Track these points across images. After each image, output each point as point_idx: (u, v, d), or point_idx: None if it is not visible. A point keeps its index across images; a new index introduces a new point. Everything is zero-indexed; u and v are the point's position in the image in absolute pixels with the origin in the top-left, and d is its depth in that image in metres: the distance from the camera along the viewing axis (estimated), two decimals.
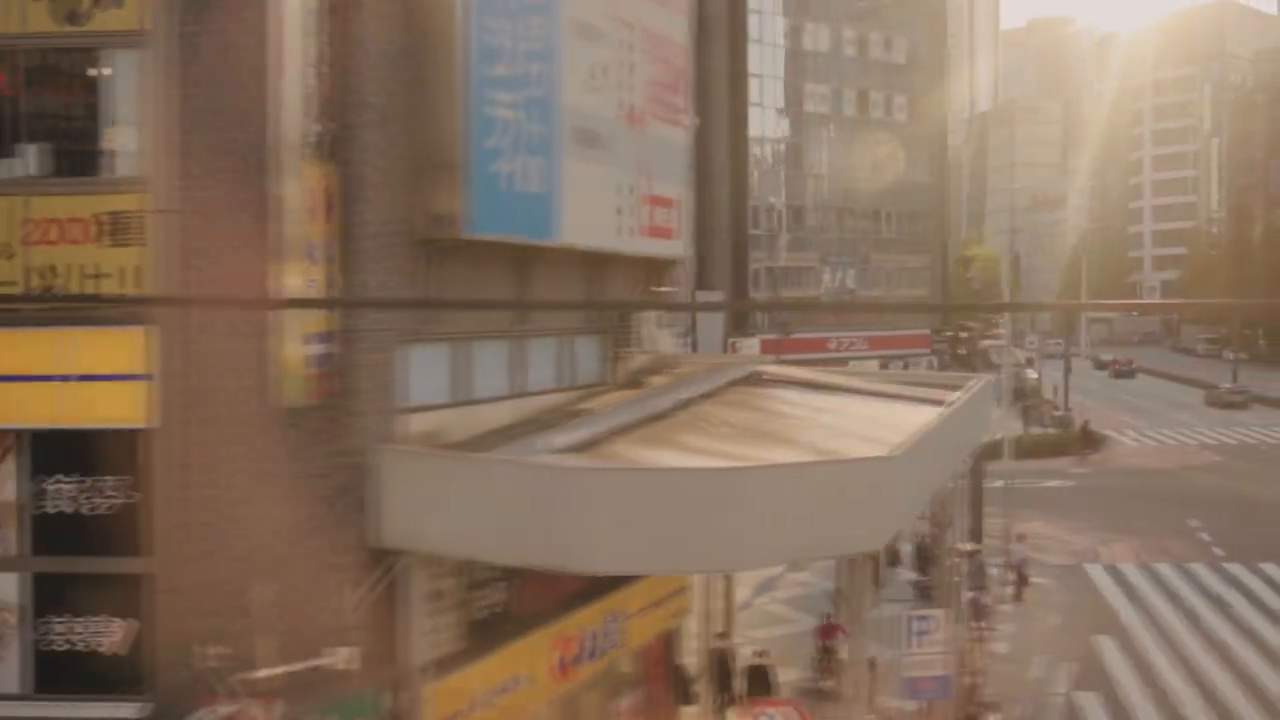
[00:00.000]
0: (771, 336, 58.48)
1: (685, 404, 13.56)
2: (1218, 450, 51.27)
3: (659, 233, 14.34)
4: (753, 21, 57.65)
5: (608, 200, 12.97)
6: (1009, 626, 25.13)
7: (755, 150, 58.66)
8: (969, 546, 27.94)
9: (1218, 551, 31.21)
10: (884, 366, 62.70)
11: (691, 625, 18.20)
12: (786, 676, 21.74)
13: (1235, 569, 29.28)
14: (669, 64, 14.33)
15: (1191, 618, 25.33)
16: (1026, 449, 49.36)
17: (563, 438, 11.09)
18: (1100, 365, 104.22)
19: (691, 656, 17.68)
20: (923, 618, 14.81)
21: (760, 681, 17.74)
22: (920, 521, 29.66)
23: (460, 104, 10.26)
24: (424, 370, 10.93)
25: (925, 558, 27.64)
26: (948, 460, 13.58)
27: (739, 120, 57.81)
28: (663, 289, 15.95)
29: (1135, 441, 54.67)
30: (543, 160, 11.53)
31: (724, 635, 17.59)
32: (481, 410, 11.62)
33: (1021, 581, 27.34)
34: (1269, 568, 29.16)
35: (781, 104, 59.32)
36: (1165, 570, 29.45)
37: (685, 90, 15.07)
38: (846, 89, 61.69)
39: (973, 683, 18.43)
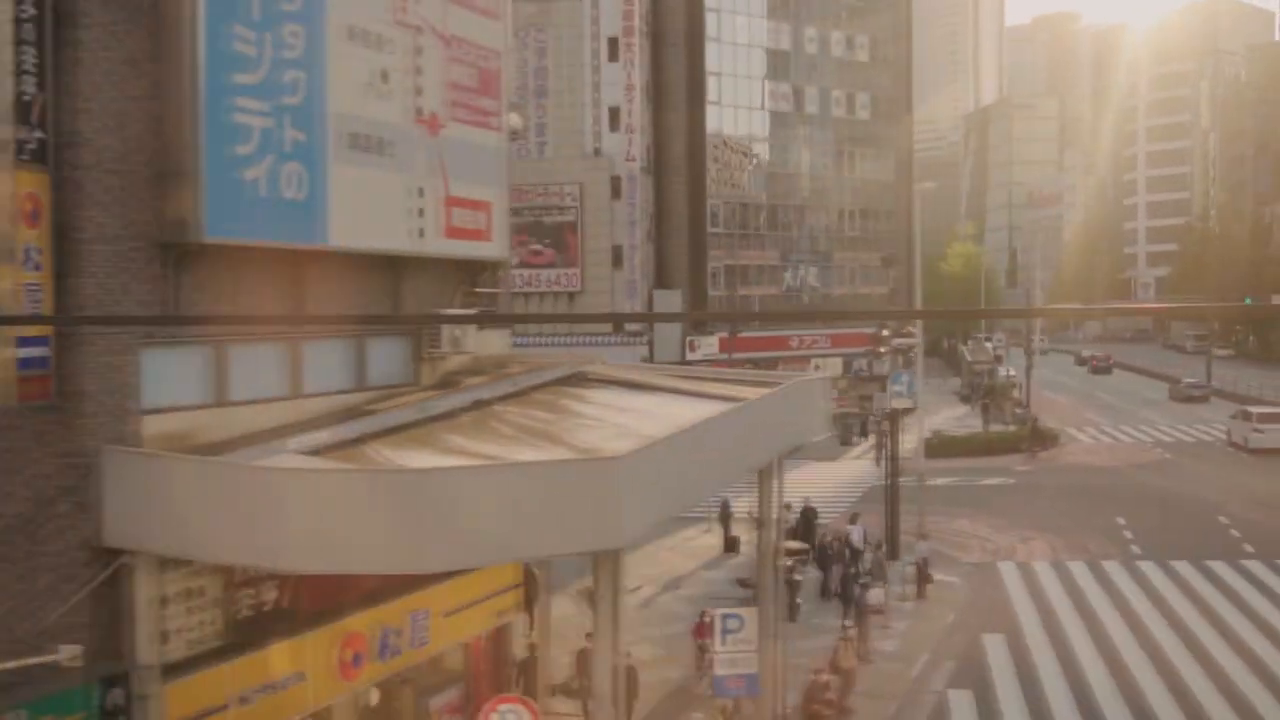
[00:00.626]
0: (729, 335, 58.64)
1: (479, 405, 13.71)
2: (1171, 447, 51.22)
3: (466, 234, 14.49)
4: (711, 20, 57.76)
5: (395, 203, 13.14)
6: (902, 624, 25.24)
7: (714, 149, 58.77)
8: (858, 543, 28.12)
9: (1135, 549, 31.24)
10: (847, 365, 62.93)
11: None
12: (668, 674, 21.97)
13: (1146, 566, 29.33)
14: (476, 67, 14.47)
15: (1089, 616, 25.37)
16: (979, 446, 49.66)
17: (314, 439, 11.25)
18: (1081, 361, 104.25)
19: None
20: (731, 615, 14.95)
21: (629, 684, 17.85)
22: (842, 524, 30.00)
23: (190, 112, 10.45)
24: (175, 372, 11.11)
25: (825, 557, 27.81)
26: (734, 458, 13.68)
27: (696, 119, 58.01)
28: (485, 290, 16.10)
29: (1092, 439, 54.69)
30: (304, 166, 11.69)
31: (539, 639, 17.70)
32: (247, 412, 11.79)
33: (924, 579, 27.41)
34: (1180, 565, 29.21)
35: (740, 102, 59.37)
36: (1077, 568, 29.49)
37: (499, 92, 15.20)
38: (809, 87, 61.76)
39: (824, 681, 18.51)
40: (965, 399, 69.24)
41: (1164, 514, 35.85)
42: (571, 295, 55.81)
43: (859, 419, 57.87)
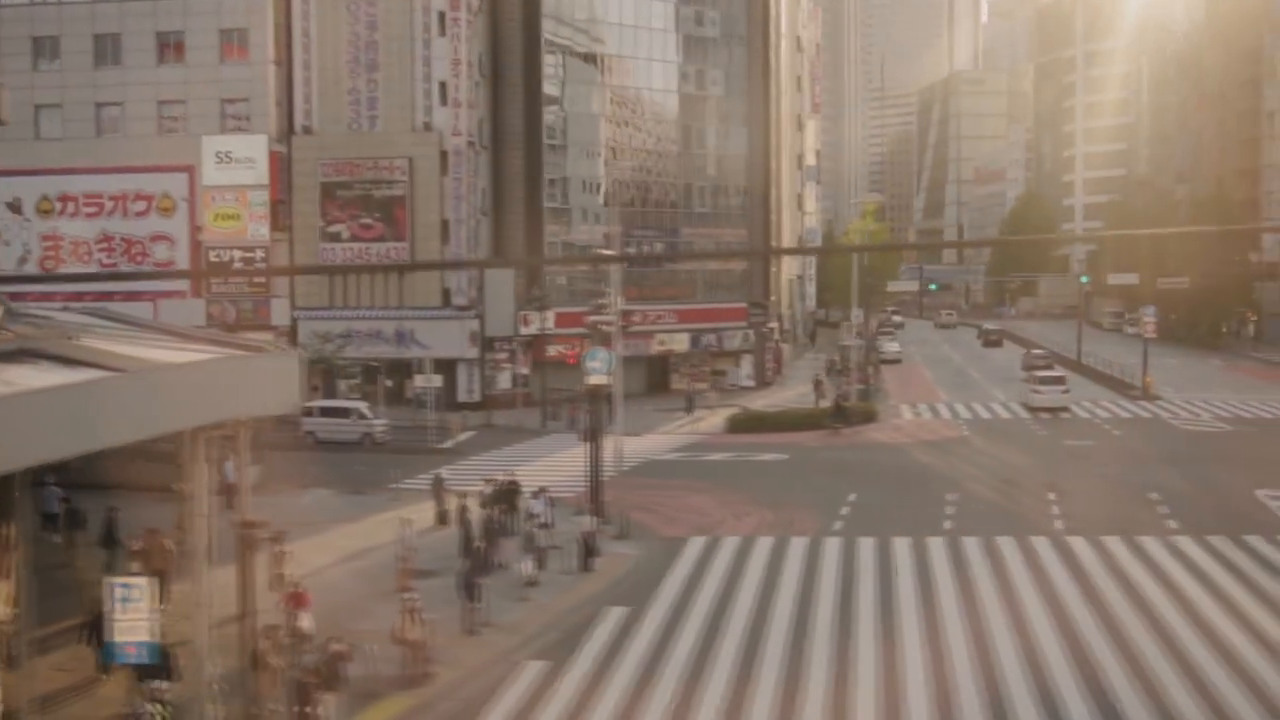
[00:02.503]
0: (568, 310, 58.85)
1: None
2: (976, 424, 51.82)
3: None
4: None
5: None
6: (544, 596, 25.48)
7: (553, 123, 58.81)
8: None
9: (838, 525, 31.66)
10: (695, 340, 63.27)
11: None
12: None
13: (833, 543, 29.75)
14: None
15: (732, 588, 25.75)
16: (785, 422, 50.10)
17: None
18: (980, 336, 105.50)
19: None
20: (125, 584, 15.30)
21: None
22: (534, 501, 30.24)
23: None
24: None
25: (491, 531, 28.21)
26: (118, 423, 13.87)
27: (533, 93, 58.06)
28: None
29: (913, 416, 55.21)
30: None
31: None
32: None
33: (589, 552, 27.80)
34: (865, 541, 29.62)
35: (581, 78, 59.41)
36: (764, 543, 29.83)
37: None
38: (654, 63, 61.79)
39: (339, 651, 18.78)
40: (827, 374, 69.70)
41: (895, 491, 36.31)
42: (402, 269, 55.95)
43: (701, 394, 58.35)
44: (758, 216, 65.52)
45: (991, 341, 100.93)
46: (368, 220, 55.56)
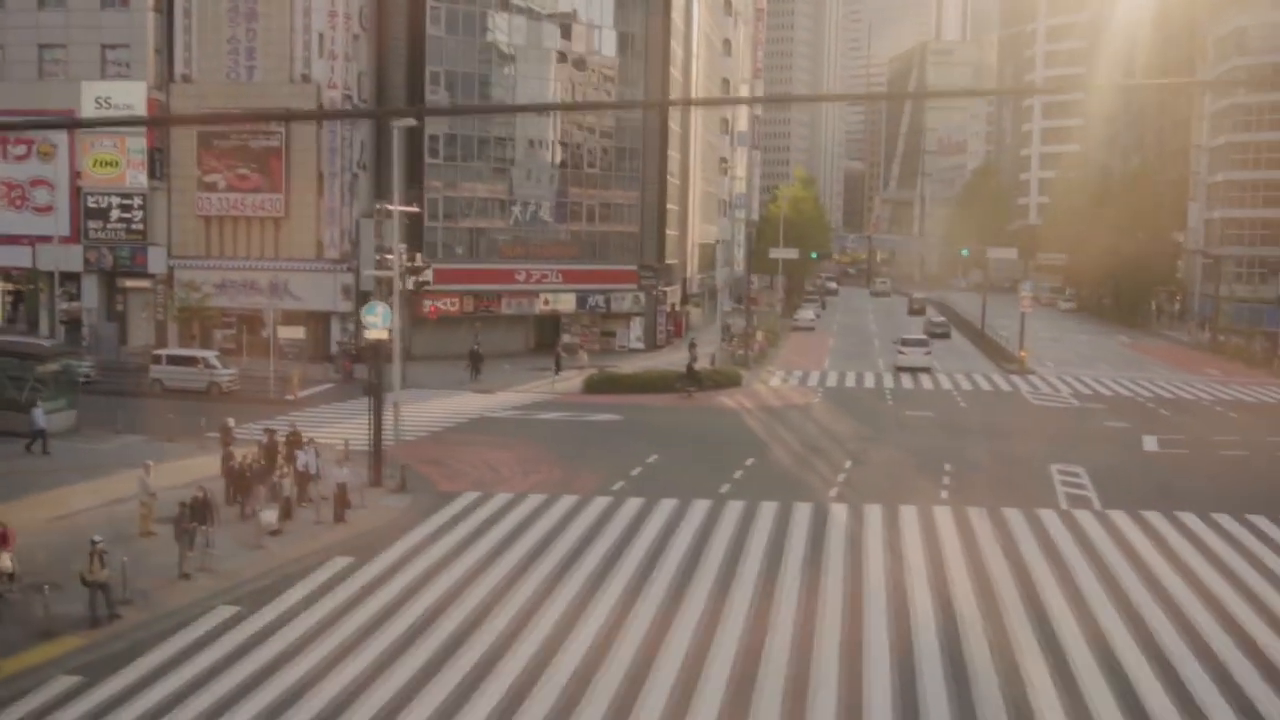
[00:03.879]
0: (449, 265, 59.08)
1: None
2: (834, 392, 52.26)
3: None
4: None
5: None
6: (279, 545, 25.84)
7: (437, 79, 58.65)
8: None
9: (618, 485, 32.01)
10: (581, 300, 63.49)
11: None
12: None
13: (600, 501, 30.12)
14: None
15: (469, 544, 26.16)
16: (641, 384, 50.44)
17: None
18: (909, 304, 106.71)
19: None
20: None
21: None
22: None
23: None
24: None
25: (243, 480, 28.48)
26: None
27: (417, 48, 57.92)
28: None
29: (782, 381, 55.68)
30: None
31: None
32: None
33: (341, 504, 28.11)
34: (634, 501, 30.01)
35: (467, 32, 59.16)
36: (532, 499, 30.22)
37: None
38: (544, 21, 61.58)
39: None
40: (723, 339, 70.05)
41: (696, 455, 36.63)
42: (277, 220, 56.03)
43: (573, 354, 58.51)
44: (652, 178, 65.52)
45: (916, 310, 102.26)
46: (244, 171, 55.51)
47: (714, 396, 49.36)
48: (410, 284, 36.26)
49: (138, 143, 55.83)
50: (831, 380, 56.36)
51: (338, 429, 38.03)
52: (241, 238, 56.29)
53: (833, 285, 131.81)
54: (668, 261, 70.18)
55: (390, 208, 34.80)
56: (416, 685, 17.93)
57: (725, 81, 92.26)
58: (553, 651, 19.42)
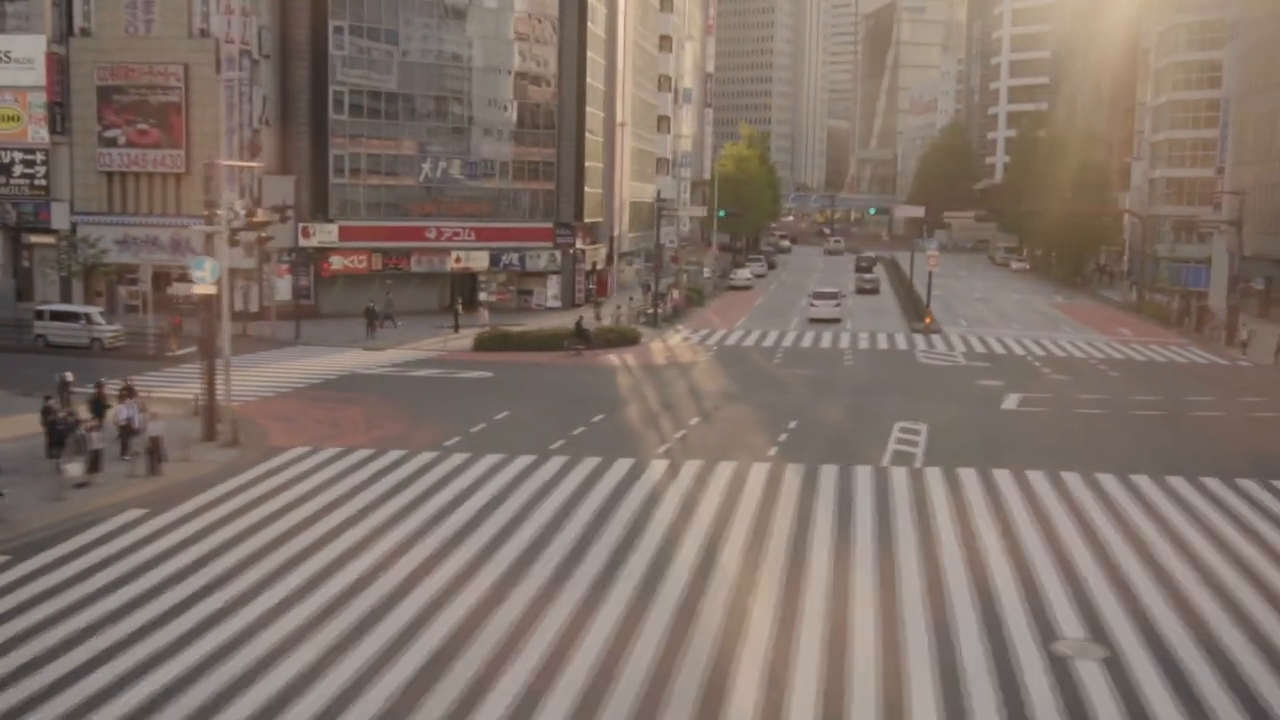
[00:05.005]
0: (353, 223, 59.10)
1: None
2: (724, 351, 52.48)
3: None
4: None
5: None
6: (79, 498, 26.10)
7: (341, 35, 58.38)
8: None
9: (452, 441, 32.23)
10: (495, 258, 63.55)
11: None
12: None
13: (425, 456, 30.38)
14: None
15: (270, 497, 26.44)
16: (530, 342, 50.64)
17: None
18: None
19: None
20: None
21: None
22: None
23: None
24: None
25: (55, 432, 28.67)
26: None
27: (320, 4, 57.60)
28: None
29: (682, 339, 55.92)
30: None
31: None
32: None
33: (156, 457, 28.33)
34: (458, 456, 30.29)
35: None
36: (358, 454, 30.48)
37: None
38: None
39: None
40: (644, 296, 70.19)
41: (547, 411, 36.88)
42: (178, 176, 55.93)
43: (474, 312, 58.60)
44: (569, 135, 65.31)
45: (861, 268, 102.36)
46: (144, 126, 55.38)
47: (603, 355, 49.57)
48: (252, 237, 36.20)
49: (38, 97, 55.65)
50: (735, 338, 56.61)
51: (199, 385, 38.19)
52: (144, 194, 56.25)
53: (786, 244, 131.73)
54: (590, 220, 70.14)
55: (223, 163, 34.66)
56: (135, 639, 17.99)
57: (665, 39, 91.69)
58: (323, 603, 19.56)
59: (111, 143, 55.60)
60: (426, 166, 61.28)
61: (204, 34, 54.74)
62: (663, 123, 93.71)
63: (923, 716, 15.52)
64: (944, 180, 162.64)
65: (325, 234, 57.87)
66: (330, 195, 58.37)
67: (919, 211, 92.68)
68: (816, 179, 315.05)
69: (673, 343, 54.56)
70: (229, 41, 54.28)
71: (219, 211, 31.37)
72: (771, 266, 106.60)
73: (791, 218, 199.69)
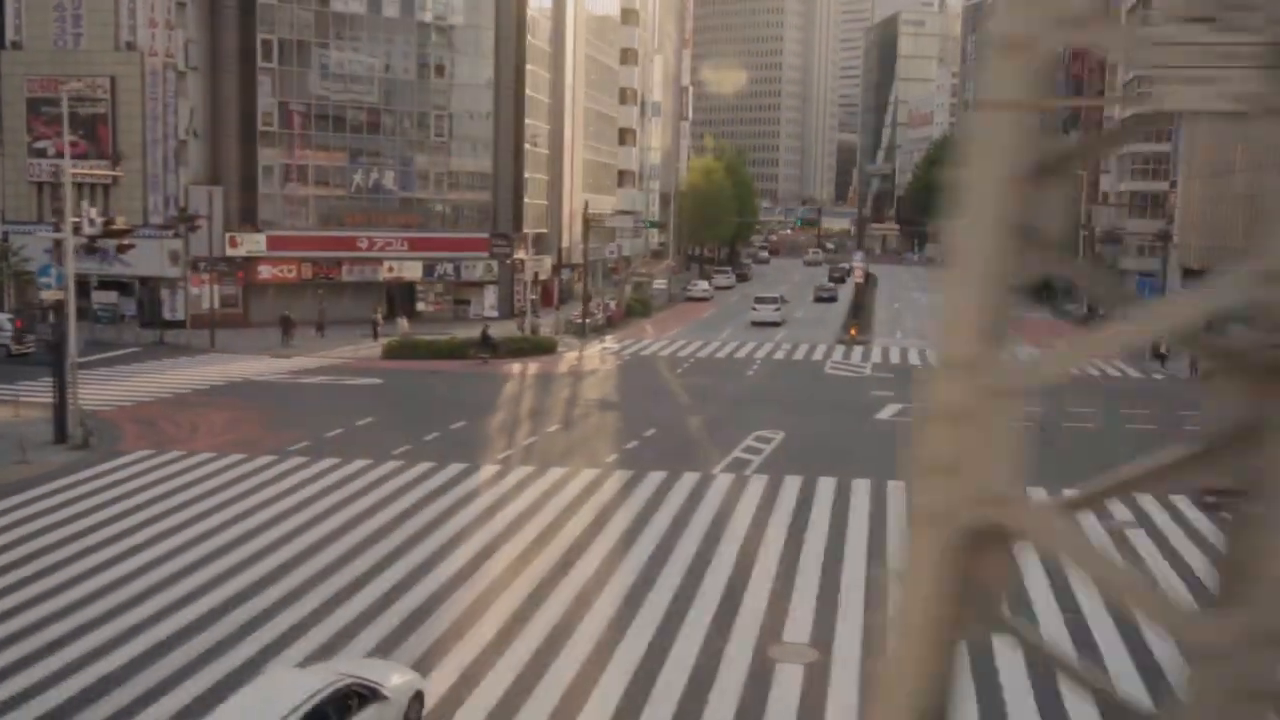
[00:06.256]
0: (281, 233, 59.84)
1: None
2: (635, 360, 52.82)
3: None
4: None
5: None
6: None
7: (270, 45, 59.19)
8: None
9: (298, 446, 32.71)
10: (429, 268, 64.15)
11: None
12: None
13: (262, 460, 30.89)
14: None
15: (90, 498, 27.01)
16: (441, 350, 51.11)
17: None
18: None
19: None
20: None
21: None
22: None
23: None
24: None
25: None
26: None
27: (248, 18, 58.45)
28: None
29: (603, 349, 56.33)
30: None
31: None
32: None
33: None
34: (295, 460, 30.83)
35: (301, 3, 59.60)
36: (200, 457, 31.04)
37: None
38: None
39: None
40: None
41: (409, 418, 37.34)
42: (106, 188, 56.80)
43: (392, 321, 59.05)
44: (506, 147, 65.88)
45: (835, 278, 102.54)
46: (73, 137, 56.11)
47: (508, 364, 49.98)
48: (108, 245, 36.84)
49: None
50: (655, 349, 56.93)
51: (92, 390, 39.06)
52: (73, 203, 56.99)
53: (764, 254, 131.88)
54: (535, 230, 70.70)
55: (73, 169, 35.34)
56: None
57: (628, 52, 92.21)
58: (115, 602, 20.06)
59: (41, 154, 56.58)
60: (358, 177, 61.99)
61: (130, 46, 55.67)
62: (628, 135, 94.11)
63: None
64: (936, 193, 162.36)
65: (253, 244, 58.64)
66: (260, 205, 59.08)
67: (845, 223, 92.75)
68: (826, 192, 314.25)
69: (589, 353, 54.93)
70: (153, 55, 55.18)
71: (74, 220, 31.96)
72: (743, 278, 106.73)
73: (789, 230, 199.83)
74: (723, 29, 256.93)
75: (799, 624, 19.54)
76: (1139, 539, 24.97)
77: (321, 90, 60.39)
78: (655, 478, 29.73)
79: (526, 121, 67.76)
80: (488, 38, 65.26)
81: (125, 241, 40.44)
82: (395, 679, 15.34)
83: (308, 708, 13.44)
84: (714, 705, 16.19)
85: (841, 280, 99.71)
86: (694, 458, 32.30)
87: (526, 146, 67.81)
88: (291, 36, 59.34)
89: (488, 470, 30.25)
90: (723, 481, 29.57)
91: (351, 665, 15.93)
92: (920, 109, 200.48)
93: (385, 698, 14.66)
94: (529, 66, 67.85)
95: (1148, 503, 27.43)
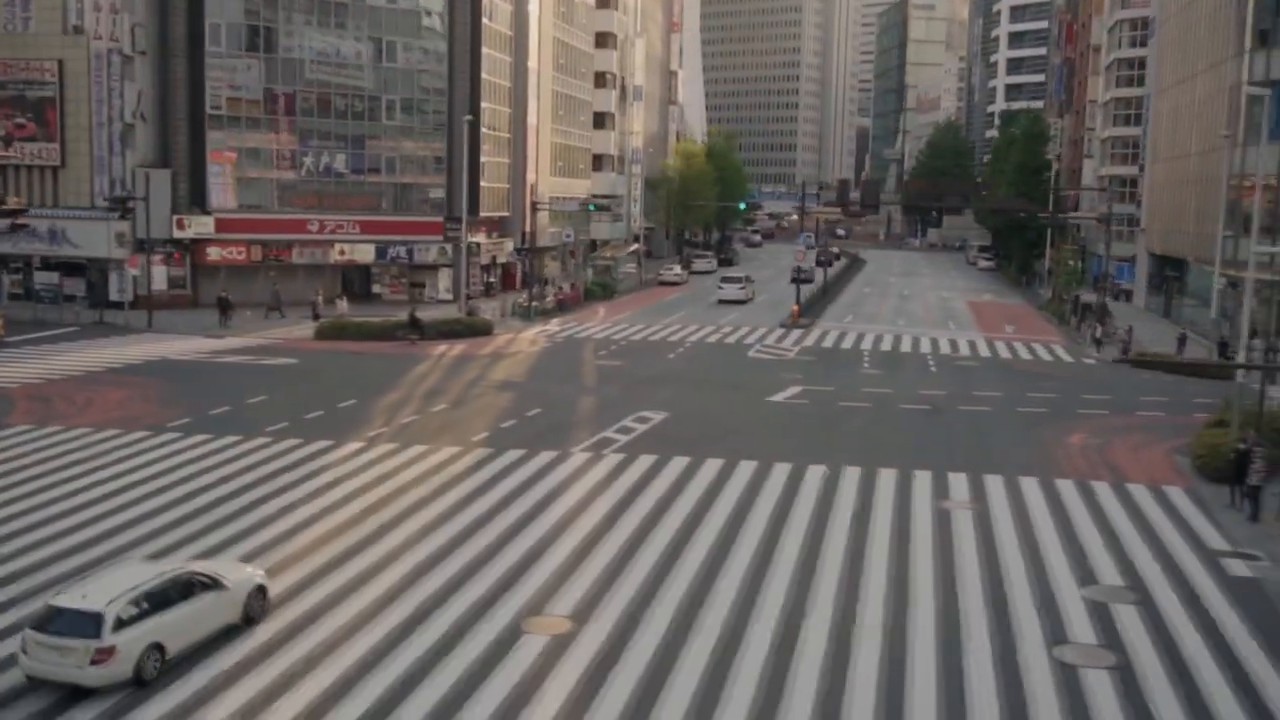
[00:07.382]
0: (230, 215, 60.59)
1: None
2: (568, 343, 53.22)
3: None
4: None
5: None
6: None
7: (219, 29, 59.83)
8: None
9: (182, 422, 33.38)
10: (381, 252, 64.76)
11: None
12: None
13: (140, 434, 31.58)
14: None
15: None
16: (371, 331, 51.70)
17: None
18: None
19: None
20: None
21: None
22: None
23: None
24: None
25: None
26: None
27: (197, 2, 59.14)
28: None
29: (543, 330, 56.75)
30: None
31: None
32: None
33: None
34: (172, 435, 31.49)
35: None
36: (80, 432, 31.76)
37: None
38: None
39: None
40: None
41: (309, 396, 37.91)
42: (55, 170, 57.71)
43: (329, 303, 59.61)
44: (460, 132, 66.21)
45: (822, 262, 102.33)
46: (21, 120, 57.23)
47: (434, 345, 50.48)
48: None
49: None
50: (593, 331, 57.29)
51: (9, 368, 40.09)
52: (23, 185, 58.04)
53: (756, 239, 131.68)
54: (495, 215, 71.15)
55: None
56: None
57: (605, 35, 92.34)
58: None
59: None
60: (309, 160, 62.62)
61: (78, 30, 56.46)
62: (607, 119, 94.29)
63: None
64: (939, 178, 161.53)
65: (201, 225, 59.43)
66: (209, 188, 59.85)
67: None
68: (845, 176, 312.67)
69: (525, 335, 55.37)
70: (98, 39, 55.97)
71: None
72: (727, 262, 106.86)
73: (794, 215, 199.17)
74: (739, 14, 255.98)
75: (566, 598, 19.98)
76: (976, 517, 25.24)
77: (271, 74, 60.95)
78: (509, 457, 30.22)
79: (484, 105, 68.10)
80: (441, 21, 65.63)
81: (18, 221, 41.14)
82: (236, 574, 18.39)
83: (148, 587, 16.58)
84: (453, 669, 16.72)
85: (829, 264, 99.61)
86: (562, 438, 32.72)
87: (484, 130, 68.17)
88: (240, 20, 59.91)
89: (348, 449, 30.76)
90: (576, 460, 30.04)
91: (198, 563, 18.88)
92: (928, 94, 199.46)
93: (225, 588, 17.79)
94: (485, 50, 68.16)
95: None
